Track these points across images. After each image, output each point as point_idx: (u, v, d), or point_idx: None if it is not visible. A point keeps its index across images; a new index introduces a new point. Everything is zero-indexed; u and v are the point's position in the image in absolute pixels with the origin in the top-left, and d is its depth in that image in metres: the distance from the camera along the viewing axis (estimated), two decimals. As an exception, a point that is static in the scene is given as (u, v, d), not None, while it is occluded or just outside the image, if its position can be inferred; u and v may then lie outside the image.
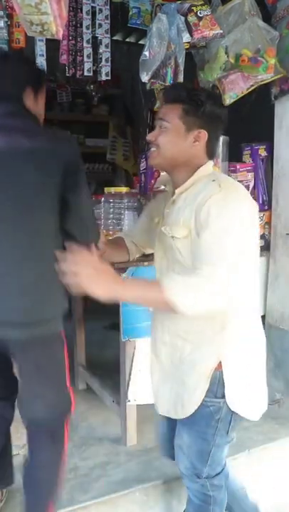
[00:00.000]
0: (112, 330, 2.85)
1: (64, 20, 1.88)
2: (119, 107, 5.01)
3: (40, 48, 2.24)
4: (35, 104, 1.52)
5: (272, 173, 2.63)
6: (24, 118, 1.45)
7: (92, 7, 2.39)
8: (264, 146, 2.60)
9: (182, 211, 1.37)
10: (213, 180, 1.32)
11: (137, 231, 1.75)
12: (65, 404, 1.57)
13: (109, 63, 2.47)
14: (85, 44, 2.41)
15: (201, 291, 1.21)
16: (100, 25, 2.42)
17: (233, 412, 1.39)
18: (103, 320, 3.40)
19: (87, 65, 2.43)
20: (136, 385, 2.13)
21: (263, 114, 2.58)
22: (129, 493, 1.88)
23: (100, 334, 3.31)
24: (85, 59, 2.42)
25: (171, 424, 1.54)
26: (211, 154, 1.44)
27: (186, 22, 2.21)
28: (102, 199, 2.50)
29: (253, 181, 2.56)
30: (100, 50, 2.45)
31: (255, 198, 2.53)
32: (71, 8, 2.32)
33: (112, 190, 2.61)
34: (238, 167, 2.49)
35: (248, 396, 1.41)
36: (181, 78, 2.29)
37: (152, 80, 2.36)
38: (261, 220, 2.58)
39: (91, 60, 2.43)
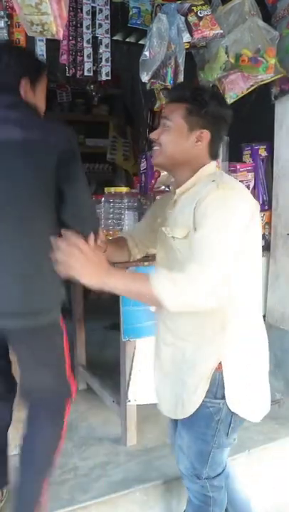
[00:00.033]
0: (113, 330, 2.85)
1: (64, 21, 1.87)
2: (120, 107, 5.01)
3: (41, 48, 2.24)
4: (33, 95, 1.51)
5: (272, 173, 2.63)
6: (20, 109, 1.44)
7: (93, 7, 2.39)
8: (264, 146, 2.60)
9: (182, 212, 1.37)
10: (213, 181, 1.32)
11: (138, 230, 1.75)
12: (64, 389, 1.58)
13: (109, 63, 2.47)
14: (85, 44, 2.40)
15: (186, 290, 1.22)
16: (100, 25, 2.42)
17: (233, 413, 1.38)
18: (103, 320, 3.41)
19: (88, 65, 2.43)
20: (136, 385, 2.13)
21: (263, 114, 2.58)
22: (130, 493, 1.88)
23: (100, 334, 3.31)
24: (85, 59, 2.42)
25: (176, 424, 1.54)
26: (213, 155, 1.44)
27: (187, 22, 2.21)
28: (103, 199, 2.50)
29: (253, 181, 2.56)
30: (100, 50, 2.44)
31: (256, 198, 2.51)
32: (71, 8, 2.32)
33: (112, 190, 2.61)
34: (238, 167, 2.49)
35: (248, 397, 1.40)
36: (181, 78, 2.29)
37: (152, 80, 2.35)
38: (261, 220, 2.58)
39: (91, 60, 2.43)
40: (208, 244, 1.23)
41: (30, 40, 2.19)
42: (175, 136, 1.39)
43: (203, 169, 1.40)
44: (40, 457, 1.56)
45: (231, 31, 2.30)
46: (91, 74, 2.46)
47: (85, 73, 2.44)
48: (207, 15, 2.21)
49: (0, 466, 1.74)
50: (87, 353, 2.77)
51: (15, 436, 1.71)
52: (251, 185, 2.54)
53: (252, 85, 2.36)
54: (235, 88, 2.35)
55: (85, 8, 2.37)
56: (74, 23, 2.39)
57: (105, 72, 2.47)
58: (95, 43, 2.44)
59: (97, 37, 2.43)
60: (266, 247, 2.62)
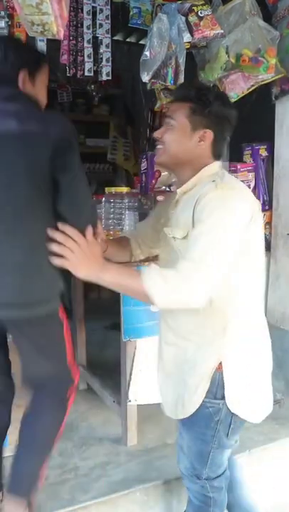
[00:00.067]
0: (113, 330, 2.86)
1: (65, 21, 1.87)
2: (120, 107, 5.01)
3: (41, 48, 2.23)
4: (33, 86, 1.50)
5: (272, 173, 2.63)
6: (18, 101, 1.43)
7: (93, 7, 2.39)
8: (265, 146, 2.60)
9: (183, 212, 1.37)
10: (213, 181, 1.32)
11: (141, 231, 1.75)
12: (65, 376, 1.58)
13: (109, 63, 2.47)
14: (85, 44, 2.40)
15: (180, 288, 1.23)
16: (101, 25, 2.42)
17: (233, 414, 1.38)
18: (104, 320, 3.41)
19: (88, 65, 2.43)
20: (137, 385, 2.13)
21: (263, 114, 2.58)
22: (130, 493, 1.88)
23: (100, 334, 3.31)
24: (86, 59, 2.42)
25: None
26: (216, 155, 1.44)
27: (187, 22, 2.21)
28: (103, 199, 2.51)
29: (253, 181, 2.56)
30: (101, 50, 2.44)
31: (256, 198, 2.53)
32: (72, 8, 2.32)
33: (113, 190, 2.61)
34: (238, 167, 2.49)
35: (248, 397, 1.40)
36: (181, 78, 2.29)
37: (153, 80, 2.35)
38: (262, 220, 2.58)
39: (92, 60, 2.43)
40: (204, 242, 1.23)
41: (31, 40, 2.19)
42: (178, 135, 1.39)
43: (205, 169, 1.40)
44: (40, 442, 1.57)
45: (232, 31, 2.30)
46: (91, 74, 2.46)
47: (86, 73, 2.44)
48: (208, 15, 2.21)
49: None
50: (87, 353, 2.77)
51: (13, 438, 1.71)
52: (252, 185, 2.54)
53: (252, 85, 2.36)
54: (236, 88, 2.35)
55: (85, 8, 2.37)
56: (74, 23, 2.39)
57: (106, 72, 2.47)
58: (96, 43, 2.44)
59: (98, 37, 2.43)
60: (266, 247, 2.61)
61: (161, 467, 2.02)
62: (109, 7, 2.41)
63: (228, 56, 2.28)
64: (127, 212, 2.43)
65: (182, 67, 2.27)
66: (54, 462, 2.03)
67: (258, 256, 1.40)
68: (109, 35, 2.45)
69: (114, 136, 4.88)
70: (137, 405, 2.17)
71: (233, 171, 2.47)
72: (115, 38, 3.43)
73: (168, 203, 1.56)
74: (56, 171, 1.36)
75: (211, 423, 1.39)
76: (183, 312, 1.36)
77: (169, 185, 2.52)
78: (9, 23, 2.07)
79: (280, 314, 2.59)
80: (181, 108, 1.39)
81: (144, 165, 2.62)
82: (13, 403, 1.69)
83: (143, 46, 2.35)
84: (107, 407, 2.40)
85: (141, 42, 3.60)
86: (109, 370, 2.50)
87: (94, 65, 2.45)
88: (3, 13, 2.06)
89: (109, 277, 1.30)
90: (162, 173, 2.51)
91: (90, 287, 3.20)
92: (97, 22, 2.41)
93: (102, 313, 3.10)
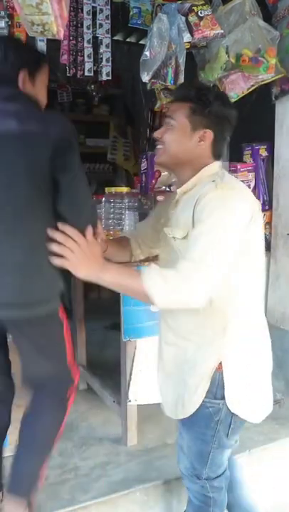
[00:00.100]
0: (113, 330, 2.85)
1: (65, 21, 1.87)
2: (120, 107, 5.01)
3: (41, 48, 2.23)
4: (33, 86, 1.50)
5: (272, 173, 2.63)
6: (18, 101, 1.43)
7: (93, 7, 2.39)
8: (265, 146, 2.60)
9: (183, 212, 1.37)
10: (213, 181, 1.32)
11: (142, 230, 1.75)
12: (65, 376, 1.59)
13: (109, 63, 2.47)
14: (85, 44, 2.40)
15: (180, 288, 1.23)
16: (101, 25, 2.42)
17: (233, 414, 1.38)
18: (104, 320, 3.41)
19: (88, 65, 2.43)
20: (137, 385, 2.13)
21: (263, 114, 2.58)
22: (130, 493, 1.88)
23: (100, 334, 3.31)
24: (86, 59, 2.42)
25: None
26: (217, 155, 1.44)
27: (187, 22, 2.21)
28: (103, 199, 2.51)
29: (253, 181, 2.56)
30: (101, 50, 2.44)
31: (256, 198, 2.53)
32: (72, 8, 2.32)
33: (113, 190, 2.61)
34: (238, 167, 2.49)
35: (248, 397, 1.40)
36: (182, 78, 2.29)
37: (153, 80, 2.35)
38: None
39: (92, 60, 2.43)
40: (204, 242, 1.23)
41: (31, 40, 2.19)
42: (178, 135, 1.39)
43: (205, 169, 1.40)
44: (40, 442, 1.57)
45: (232, 31, 2.30)
46: (91, 74, 2.46)
47: (86, 73, 2.44)
48: (208, 15, 2.21)
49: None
50: (87, 353, 2.77)
51: (13, 438, 1.71)
52: (252, 185, 2.54)
53: (252, 85, 2.36)
54: (236, 88, 2.35)
55: (85, 8, 2.37)
56: (74, 23, 2.39)
57: (106, 72, 2.47)
58: (96, 43, 2.44)
59: (98, 37, 2.43)
60: (266, 247, 2.61)
61: (161, 467, 2.02)
62: (109, 7, 2.41)
63: (228, 56, 2.28)
64: (127, 212, 2.43)
65: (182, 67, 2.27)
66: (54, 462, 2.03)
67: (258, 256, 1.40)
68: (109, 35, 2.44)
69: (114, 136, 4.88)
70: (137, 405, 2.17)
71: (233, 171, 2.47)
72: (115, 38, 3.43)
73: (168, 203, 1.56)
74: (56, 171, 1.36)
75: (211, 423, 1.39)
76: (183, 312, 1.36)
77: (169, 185, 2.52)
78: (9, 23, 2.07)
79: (280, 314, 2.59)
80: (181, 108, 1.39)
81: (144, 165, 2.62)
82: (13, 403, 1.70)
83: (143, 46, 2.35)
84: (107, 407, 2.40)
85: (141, 42, 3.60)
86: (109, 370, 2.50)
87: (94, 65, 2.45)
88: (3, 13, 2.06)
89: (109, 277, 1.30)
90: (162, 173, 2.51)
91: (90, 287, 3.20)
92: (97, 22, 2.41)
93: (102, 313, 3.10)
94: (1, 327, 1.54)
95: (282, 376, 2.53)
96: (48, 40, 2.13)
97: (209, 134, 1.38)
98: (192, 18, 2.20)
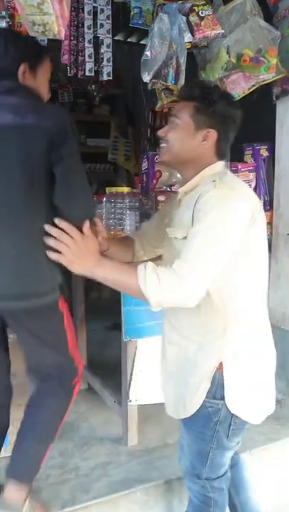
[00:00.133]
0: (114, 330, 2.85)
1: (66, 21, 1.87)
2: (121, 107, 5.01)
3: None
4: (34, 79, 1.50)
5: (273, 173, 2.63)
6: (18, 94, 1.43)
7: (94, 7, 2.39)
8: (266, 146, 2.60)
9: (183, 212, 1.37)
10: (213, 181, 1.32)
11: (147, 230, 1.74)
12: (68, 366, 1.59)
13: (110, 63, 2.47)
14: (86, 44, 2.40)
15: (175, 288, 1.23)
16: (102, 25, 2.41)
17: (233, 414, 1.38)
18: (105, 320, 3.41)
19: (89, 65, 2.42)
20: (137, 385, 2.13)
21: (264, 114, 2.58)
22: (130, 493, 1.88)
23: (101, 334, 3.31)
24: (87, 59, 2.42)
25: None
26: (220, 155, 1.43)
27: (188, 22, 2.20)
28: (104, 199, 2.51)
29: (254, 181, 2.55)
30: (102, 50, 2.44)
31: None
32: (73, 8, 2.32)
33: (114, 190, 2.61)
34: (239, 167, 2.49)
35: (248, 398, 1.40)
36: (182, 78, 2.29)
37: (154, 80, 2.35)
38: (263, 220, 2.58)
39: (92, 60, 2.43)
40: (200, 242, 1.24)
41: (32, 40, 2.19)
42: (182, 134, 1.39)
43: (207, 169, 1.39)
44: (43, 429, 1.58)
45: (233, 31, 2.30)
46: (92, 74, 2.46)
47: (87, 73, 2.44)
48: (208, 15, 2.20)
49: None
50: (88, 353, 2.77)
51: (14, 438, 1.71)
52: (252, 185, 2.54)
53: (253, 85, 2.35)
54: (237, 88, 2.34)
55: (86, 8, 2.37)
56: (75, 23, 2.39)
57: (107, 72, 2.47)
58: (97, 43, 2.44)
59: (99, 37, 2.42)
60: (267, 248, 2.62)
61: (161, 467, 2.02)
62: (110, 7, 2.41)
63: (229, 56, 2.28)
64: (127, 212, 2.43)
65: (183, 67, 2.27)
66: (55, 462, 2.04)
67: (258, 256, 1.39)
68: (110, 35, 2.44)
69: (115, 136, 4.88)
70: (138, 405, 2.17)
71: (234, 171, 2.46)
72: (116, 38, 3.43)
73: (172, 203, 1.56)
74: (53, 163, 1.37)
75: (210, 423, 1.39)
76: (186, 313, 1.36)
77: (170, 186, 2.52)
78: (10, 23, 2.07)
79: (280, 314, 2.59)
80: (186, 107, 1.39)
81: (144, 165, 2.62)
82: (13, 403, 1.70)
83: (144, 46, 2.35)
84: (108, 407, 2.40)
85: (142, 42, 3.60)
86: (109, 370, 2.50)
87: (95, 65, 2.45)
88: (4, 13, 2.06)
89: (104, 273, 1.31)
90: (163, 173, 2.51)
91: (90, 287, 3.20)
92: (98, 22, 2.40)
93: (102, 313, 3.10)
94: (1, 321, 1.55)
95: (284, 376, 2.52)
96: (48, 40, 2.13)
97: (212, 134, 1.38)
98: (193, 18, 2.19)
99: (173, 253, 1.42)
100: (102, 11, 2.40)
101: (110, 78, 2.52)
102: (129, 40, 3.83)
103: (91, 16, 2.39)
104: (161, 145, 1.44)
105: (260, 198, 2.56)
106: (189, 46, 2.26)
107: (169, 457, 2.05)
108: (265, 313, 1.47)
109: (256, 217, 1.32)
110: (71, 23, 2.35)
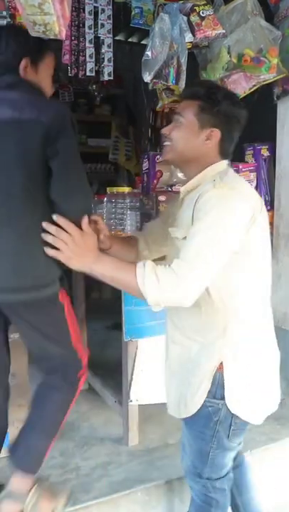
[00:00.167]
0: (115, 330, 2.85)
1: (67, 21, 1.87)
2: (122, 107, 5.01)
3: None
4: (36, 74, 1.50)
5: (274, 173, 2.62)
6: (18, 89, 1.43)
7: (95, 7, 2.39)
8: (266, 146, 2.60)
9: (185, 212, 1.37)
10: (214, 180, 1.31)
11: (151, 230, 1.74)
12: (71, 358, 1.59)
13: (111, 63, 2.47)
14: (87, 44, 2.40)
15: (174, 288, 1.23)
16: (103, 25, 2.41)
17: (233, 415, 1.38)
18: (105, 320, 3.41)
19: (90, 65, 2.42)
20: (138, 385, 2.13)
21: (265, 114, 2.58)
22: (131, 493, 1.88)
23: (102, 334, 3.31)
24: (88, 59, 2.42)
25: None
26: (224, 154, 1.43)
27: (189, 22, 2.20)
28: (105, 199, 2.50)
29: (255, 181, 2.55)
30: (103, 50, 2.44)
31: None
32: (74, 8, 2.32)
33: (115, 190, 2.61)
34: (240, 167, 2.49)
35: (248, 397, 1.40)
36: (183, 78, 2.28)
37: (155, 80, 2.35)
38: (264, 220, 2.58)
39: (93, 60, 2.43)
40: (199, 241, 1.24)
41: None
42: (185, 133, 1.39)
43: (209, 168, 1.39)
44: (49, 420, 1.58)
45: (234, 31, 2.30)
46: (93, 74, 2.46)
47: (87, 73, 2.44)
48: (209, 15, 2.20)
49: None
50: (88, 353, 2.77)
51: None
52: (253, 185, 2.54)
53: (254, 85, 2.35)
54: (238, 88, 2.34)
55: (87, 8, 2.37)
56: (76, 23, 2.39)
57: (107, 72, 2.47)
58: (97, 43, 2.44)
59: (100, 37, 2.42)
60: (270, 247, 2.62)
61: (162, 467, 2.02)
62: (111, 7, 2.41)
63: (230, 56, 2.28)
64: (128, 212, 2.43)
65: (184, 67, 2.27)
66: (55, 462, 2.04)
67: (259, 256, 1.39)
68: (111, 35, 2.44)
69: (116, 136, 4.88)
70: (139, 405, 2.17)
71: (235, 171, 2.45)
72: (117, 38, 3.43)
73: (175, 203, 1.56)
74: (48, 158, 1.36)
75: (210, 423, 1.39)
76: (187, 312, 1.36)
77: (171, 185, 2.52)
78: (11, 23, 2.07)
79: (281, 315, 2.59)
80: (190, 106, 1.39)
81: (145, 165, 2.62)
82: (13, 403, 1.70)
83: (145, 46, 2.35)
84: (109, 407, 2.40)
85: (143, 42, 3.60)
86: (110, 370, 2.50)
87: (96, 65, 2.45)
88: (4, 13, 2.06)
89: (102, 269, 1.31)
90: (164, 173, 2.51)
91: (91, 287, 3.20)
92: (99, 22, 2.40)
93: (103, 313, 3.10)
94: (3, 320, 1.55)
95: (284, 376, 2.51)
96: (49, 40, 2.13)
97: (216, 133, 1.38)
98: (194, 18, 2.19)
99: (175, 253, 1.42)
100: (103, 11, 2.40)
101: (111, 78, 2.52)
102: (130, 40, 3.83)
103: (92, 16, 2.39)
104: (165, 143, 1.44)
105: (261, 198, 2.56)
106: (190, 46, 2.26)
107: (170, 457, 2.05)
108: (266, 313, 1.47)
109: (256, 217, 1.32)
110: (72, 23, 2.35)
